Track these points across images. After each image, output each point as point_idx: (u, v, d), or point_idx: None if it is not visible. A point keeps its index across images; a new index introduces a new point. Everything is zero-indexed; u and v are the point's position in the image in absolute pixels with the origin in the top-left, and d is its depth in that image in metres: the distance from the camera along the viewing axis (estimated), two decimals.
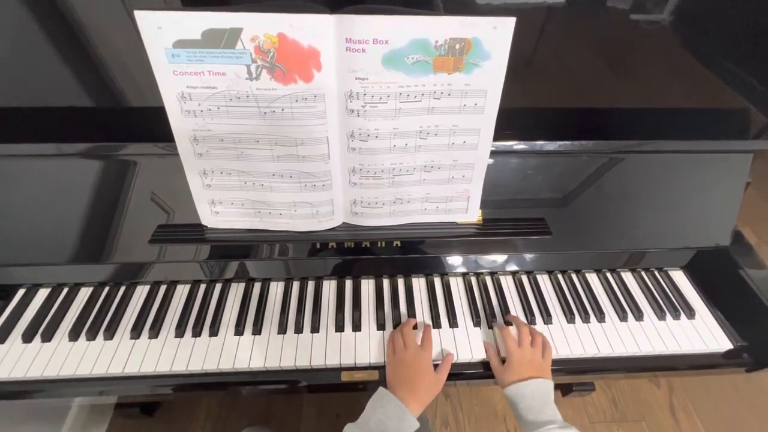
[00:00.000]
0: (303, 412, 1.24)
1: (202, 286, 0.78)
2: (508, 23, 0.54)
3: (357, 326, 0.73)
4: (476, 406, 1.28)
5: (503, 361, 0.68)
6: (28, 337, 0.69)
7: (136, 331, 0.70)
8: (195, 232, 0.72)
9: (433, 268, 0.81)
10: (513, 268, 0.82)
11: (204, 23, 0.52)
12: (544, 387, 0.63)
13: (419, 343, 0.68)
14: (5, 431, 0.93)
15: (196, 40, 0.53)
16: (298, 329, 0.72)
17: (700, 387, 1.34)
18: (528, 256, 0.81)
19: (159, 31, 0.52)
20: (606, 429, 1.24)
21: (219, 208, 0.70)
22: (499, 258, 0.80)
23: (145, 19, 0.52)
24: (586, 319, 0.76)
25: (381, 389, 0.62)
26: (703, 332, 0.75)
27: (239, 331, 0.71)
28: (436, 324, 0.74)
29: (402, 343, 0.67)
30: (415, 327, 0.72)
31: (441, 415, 1.26)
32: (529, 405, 0.61)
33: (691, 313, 0.77)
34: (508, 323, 0.74)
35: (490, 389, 1.32)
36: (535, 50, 0.66)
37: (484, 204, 0.74)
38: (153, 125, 0.63)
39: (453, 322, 0.74)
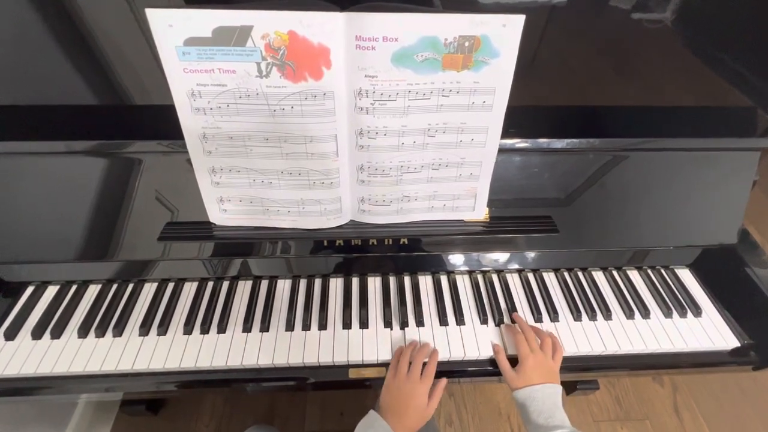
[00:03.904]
0: (307, 411, 1.24)
1: (210, 284, 0.78)
2: (518, 21, 0.54)
3: (364, 323, 0.73)
4: (480, 404, 1.28)
5: (511, 362, 0.68)
6: (37, 334, 0.70)
7: (144, 328, 0.71)
8: (203, 229, 0.73)
9: (439, 265, 0.81)
10: (519, 266, 0.82)
11: (215, 21, 0.52)
12: (555, 391, 0.64)
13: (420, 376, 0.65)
14: (11, 431, 0.93)
15: (207, 38, 0.53)
16: (306, 326, 0.72)
17: (704, 386, 1.34)
18: (534, 253, 0.81)
19: (170, 28, 0.52)
20: (610, 427, 1.25)
21: (227, 206, 0.70)
22: (506, 256, 0.81)
23: (156, 17, 0.52)
24: (592, 316, 0.76)
25: (372, 413, 0.62)
26: (709, 330, 0.75)
27: (247, 328, 0.72)
28: (443, 321, 0.74)
29: (405, 369, 0.65)
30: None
31: (445, 413, 1.26)
32: (540, 409, 0.62)
33: (697, 310, 0.77)
34: (512, 322, 0.74)
35: (493, 388, 1.32)
36: (542, 48, 0.66)
37: (491, 202, 0.74)
38: (158, 123, 0.63)
39: (460, 320, 0.74)
